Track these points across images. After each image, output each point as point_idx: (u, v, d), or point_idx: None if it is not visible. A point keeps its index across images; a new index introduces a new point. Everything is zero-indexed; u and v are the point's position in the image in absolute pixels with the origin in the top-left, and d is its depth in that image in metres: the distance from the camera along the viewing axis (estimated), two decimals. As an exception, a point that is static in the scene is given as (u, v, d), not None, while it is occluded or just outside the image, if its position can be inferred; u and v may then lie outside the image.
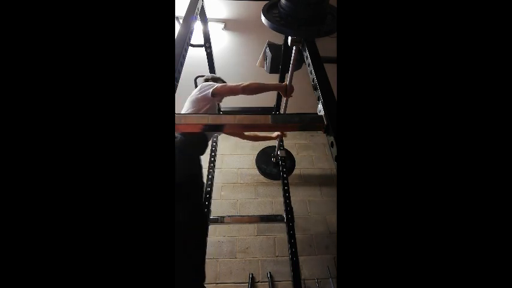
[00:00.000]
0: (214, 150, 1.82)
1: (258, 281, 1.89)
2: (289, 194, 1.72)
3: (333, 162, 0.59)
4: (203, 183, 1.37)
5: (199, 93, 1.31)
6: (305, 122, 0.68)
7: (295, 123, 0.69)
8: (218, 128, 0.74)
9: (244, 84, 1.22)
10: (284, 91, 1.30)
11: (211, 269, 1.90)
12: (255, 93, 1.25)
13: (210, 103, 1.29)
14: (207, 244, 1.44)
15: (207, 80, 1.51)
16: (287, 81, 1.28)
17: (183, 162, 1.15)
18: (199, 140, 1.30)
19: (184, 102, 1.38)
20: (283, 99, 1.48)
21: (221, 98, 1.40)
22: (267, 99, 2.02)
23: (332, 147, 0.61)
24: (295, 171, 2.34)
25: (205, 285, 1.17)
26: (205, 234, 1.31)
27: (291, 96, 1.34)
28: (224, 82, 1.49)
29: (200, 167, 1.33)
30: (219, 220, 1.85)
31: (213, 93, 1.27)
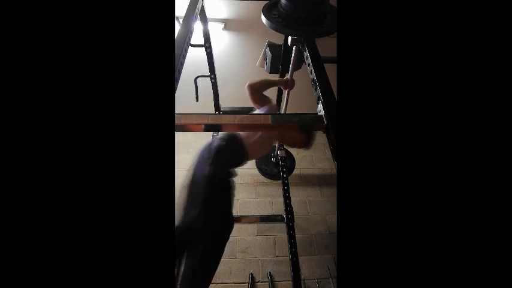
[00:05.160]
0: (214, 150, 1.82)
1: (258, 281, 1.89)
2: (289, 194, 1.72)
3: (333, 162, 0.59)
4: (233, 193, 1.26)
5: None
6: (305, 122, 0.68)
7: (295, 123, 0.69)
8: (218, 128, 0.74)
9: (249, 83, 1.27)
10: (285, 84, 1.37)
11: (211, 268, 1.90)
12: (260, 92, 1.28)
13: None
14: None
15: None
16: (288, 76, 1.32)
17: (219, 166, 1.12)
18: (236, 148, 1.26)
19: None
20: (284, 99, 1.48)
21: (259, 101, 1.40)
22: (267, 99, 2.02)
23: (332, 147, 0.61)
24: (295, 171, 2.34)
25: None
26: (224, 241, 1.16)
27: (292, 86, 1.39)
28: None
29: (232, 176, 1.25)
30: (219, 220, 1.85)
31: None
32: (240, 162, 1.33)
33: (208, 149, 1.18)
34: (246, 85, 1.26)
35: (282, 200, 1.73)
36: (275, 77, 1.66)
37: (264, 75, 1.78)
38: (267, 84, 1.29)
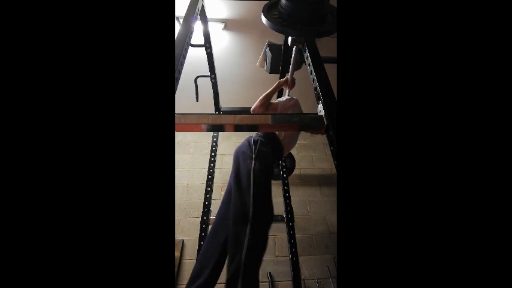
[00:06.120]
0: (214, 151, 1.82)
1: (258, 281, 1.89)
2: (289, 194, 1.72)
3: (333, 162, 0.59)
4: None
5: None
6: (305, 122, 0.68)
7: (295, 123, 0.69)
8: (219, 128, 0.74)
9: (252, 108, 1.32)
10: (286, 83, 1.43)
11: (211, 269, 1.89)
12: (266, 107, 1.31)
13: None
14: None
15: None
16: (288, 76, 1.36)
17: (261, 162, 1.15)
18: (274, 142, 1.29)
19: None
20: (284, 99, 1.48)
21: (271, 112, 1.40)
22: (267, 99, 2.02)
23: (332, 147, 0.61)
24: (295, 171, 2.34)
25: None
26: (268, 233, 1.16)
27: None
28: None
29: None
30: (219, 220, 1.84)
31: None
32: (278, 156, 1.38)
33: (247, 145, 1.22)
34: (251, 111, 1.31)
35: (282, 200, 1.73)
36: (275, 77, 1.66)
37: (264, 75, 1.78)
38: (266, 98, 1.31)
